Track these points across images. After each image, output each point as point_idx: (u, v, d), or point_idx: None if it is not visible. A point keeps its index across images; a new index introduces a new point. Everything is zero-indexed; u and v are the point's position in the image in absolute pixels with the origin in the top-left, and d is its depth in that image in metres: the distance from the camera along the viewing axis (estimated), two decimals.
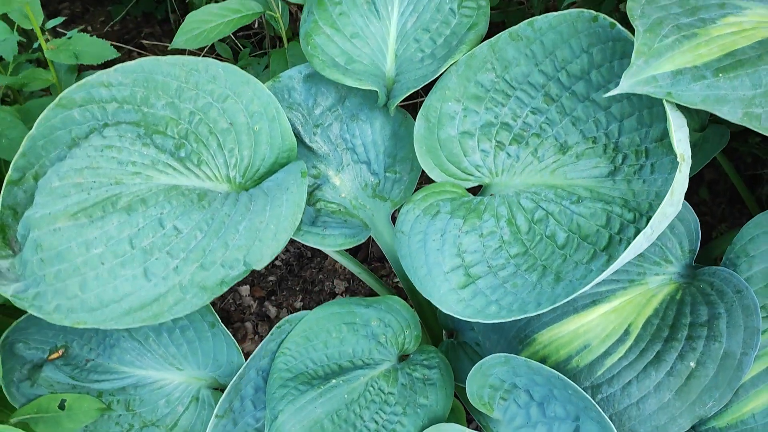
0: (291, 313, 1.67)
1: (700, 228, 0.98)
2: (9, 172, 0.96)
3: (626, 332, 0.93)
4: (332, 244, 1.05)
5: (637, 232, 0.82)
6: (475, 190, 1.05)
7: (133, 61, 1.02)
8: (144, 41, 2.02)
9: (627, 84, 0.75)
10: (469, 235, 0.92)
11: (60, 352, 1.07)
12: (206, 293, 0.89)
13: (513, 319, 0.81)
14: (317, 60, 1.04)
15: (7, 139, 1.07)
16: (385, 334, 1.05)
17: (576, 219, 0.86)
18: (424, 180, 1.16)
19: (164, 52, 2.01)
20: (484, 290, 0.87)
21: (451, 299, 0.87)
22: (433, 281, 0.90)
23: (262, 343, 1.03)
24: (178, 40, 1.22)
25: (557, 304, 0.79)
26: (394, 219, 1.19)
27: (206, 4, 1.80)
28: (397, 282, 1.66)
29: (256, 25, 1.77)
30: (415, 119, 1.09)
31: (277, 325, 1.04)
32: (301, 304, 1.73)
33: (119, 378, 1.06)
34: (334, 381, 1.00)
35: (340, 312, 1.06)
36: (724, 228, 1.76)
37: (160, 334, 1.04)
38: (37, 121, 0.98)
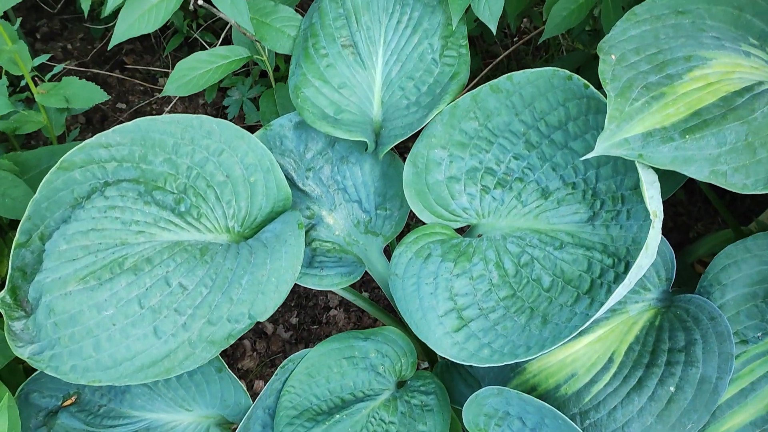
0: (287, 329, 1.72)
1: (675, 258, 1.05)
2: (16, 236, 1.00)
3: (610, 360, 1.00)
4: (330, 284, 1.11)
5: (617, 276, 0.88)
6: (464, 229, 1.10)
7: (130, 123, 1.06)
8: (125, 58, 2.04)
9: (601, 147, 0.81)
10: (460, 279, 0.98)
11: (73, 398, 1.12)
12: (214, 347, 0.94)
13: (504, 363, 0.87)
14: (307, 113, 1.08)
15: (10, 198, 1.11)
16: (383, 365, 1.11)
17: (560, 264, 0.92)
18: (412, 216, 1.22)
19: (145, 73, 2.04)
20: (476, 333, 0.93)
21: (446, 343, 0.93)
22: (428, 325, 0.96)
23: (267, 383, 1.08)
24: (170, 88, 1.25)
25: (545, 351, 0.85)
26: (385, 251, 1.24)
27: (184, 21, 1.84)
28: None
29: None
30: (402, 160, 1.14)
31: (281, 365, 1.10)
32: (297, 319, 1.78)
33: (131, 422, 1.11)
34: (337, 416, 1.06)
35: (339, 347, 1.12)
36: (701, 227, 1.84)
37: (169, 379, 1.09)
38: (41, 185, 1.02)
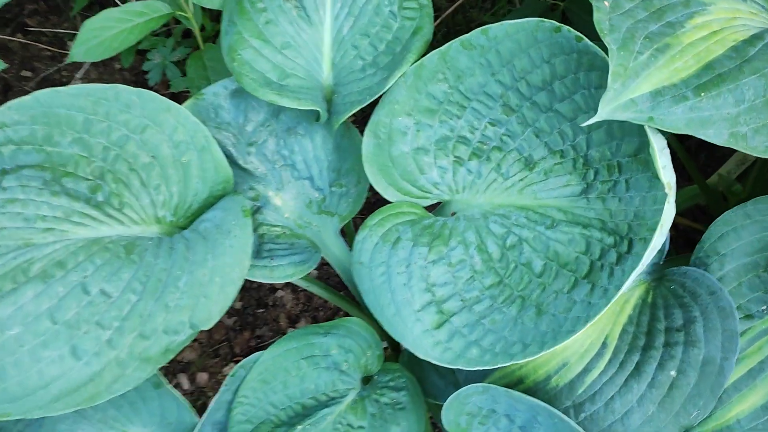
0: (230, 314, 1.57)
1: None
2: None
3: (604, 345, 0.89)
4: (282, 275, 0.96)
5: (619, 257, 0.77)
6: (435, 207, 0.97)
7: (28, 96, 0.87)
8: (27, 20, 1.80)
9: (606, 111, 0.68)
10: (437, 266, 0.85)
11: None
12: (149, 365, 0.78)
13: (498, 366, 0.75)
14: (247, 79, 0.92)
15: None
16: (347, 361, 0.98)
17: (553, 246, 0.80)
18: (373, 192, 1.08)
19: (52, 37, 1.80)
20: (460, 329, 0.80)
21: (426, 343, 0.80)
22: (404, 322, 0.82)
23: (216, 395, 0.93)
24: (76, 52, 1.06)
25: (545, 351, 0.73)
26: (342, 234, 1.10)
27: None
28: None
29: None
30: (357, 129, 0.99)
31: (230, 373, 0.95)
32: (240, 303, 1.63)
33: None
34: (299, 426, 0.92)
35: (297, 347, 0.97)
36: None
37: None
38: None
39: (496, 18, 1.65)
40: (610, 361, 0.89)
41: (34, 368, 0.77)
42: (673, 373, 0.87)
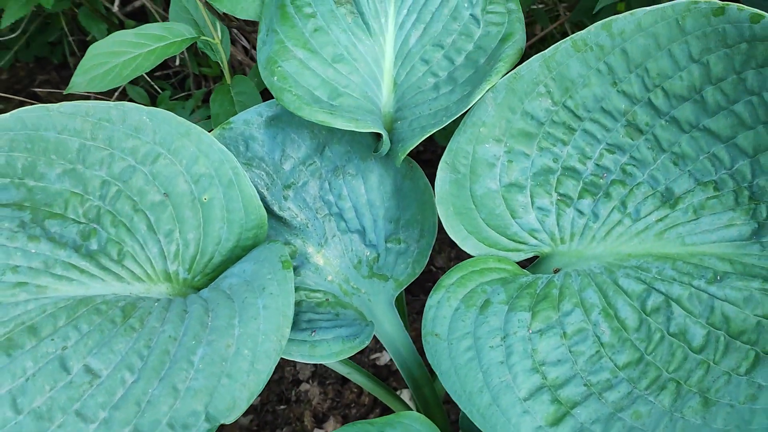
0: (246, 411, 1.32)
1: None
2: None
3: None
4: (326, 353, 0.73)
5: None
6: (528, 262, 0.75)
7: (6, 115, 0.67)
8: (38, 90, 1.64)
9: None
10: (545, 337, 0.61)
11: None
12: None
13: None
14: (289, 95, 0.71)
15: None
16: None
17: (720, 307, 0.57)
18: (438, 249, 0.86)
19: (62, 98, 1.64)
20: (589, 426, 0.56)
21: None
22: (505, 415, 0.58)
23: None
24: (78, 81, 0.88)
25: None
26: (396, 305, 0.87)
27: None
28: (375, 359, 1.34)
29: (176, 62, 1.43)
30: (421, 167, 0.79)
31: None
32: (258, 398, 1.39)
33: None
34: None
35: None
36: None
37: None
38: None
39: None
40: None
41: None
42: None
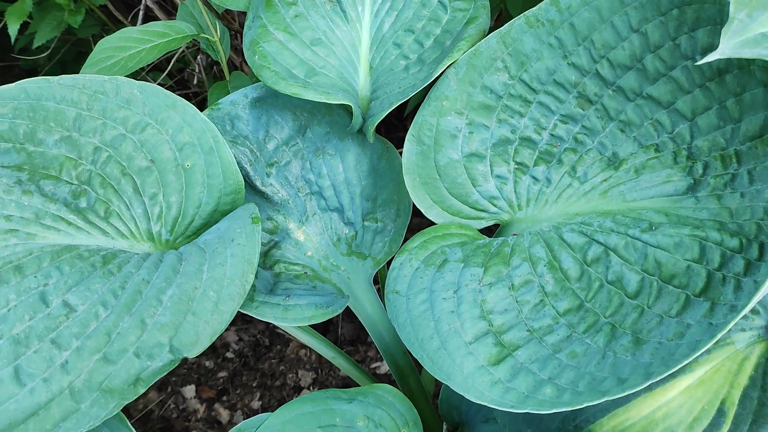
0: (247, 416, 1.35)
1: None
2: None
3: (720, 412, 0.66)
4: (298, 317, 0.76)
5: (748, 264, 0.56)
6: (490, 233, 0.78)
7: (11, 85, 0.74)
8: None
9: (729, 46, 0.51)
10: (494, 289, 0.65)
11: None
12: (112, 398, 0.58)
13: (585, 405, 0.53)
14: (268, 72, 0.78)
15: None
16: None
17: (652, 254, 0.60)
18: (414, 228, 0.90)
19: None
20: (527, 365, 0.59)
21: (480, 382, 0.59)
22: (451, 357, 0.61)
23: None
24: (87, 72, 0.95)
25: (654, 379, 0.51)
26: (375, 282, 0.91)
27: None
28: (376, 368, 1.37)
29: (179, 53, 1.51)
30: (398, 149, 0.84)
31: None
32: (260, 403, 1.42)
33: None
34: None
35: (313, 411, 0.76)
36: None
37: None
38: None
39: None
40: None
41: None
42: None
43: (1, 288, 0.63)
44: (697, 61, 0.62)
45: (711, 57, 0.51)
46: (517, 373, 0.59)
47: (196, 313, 0.62)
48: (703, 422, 0.66)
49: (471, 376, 0.60)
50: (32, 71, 1.85)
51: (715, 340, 0.51)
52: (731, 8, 0.52)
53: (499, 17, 1.25)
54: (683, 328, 0.56)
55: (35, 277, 0.64)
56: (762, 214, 0.58)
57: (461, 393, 0.59)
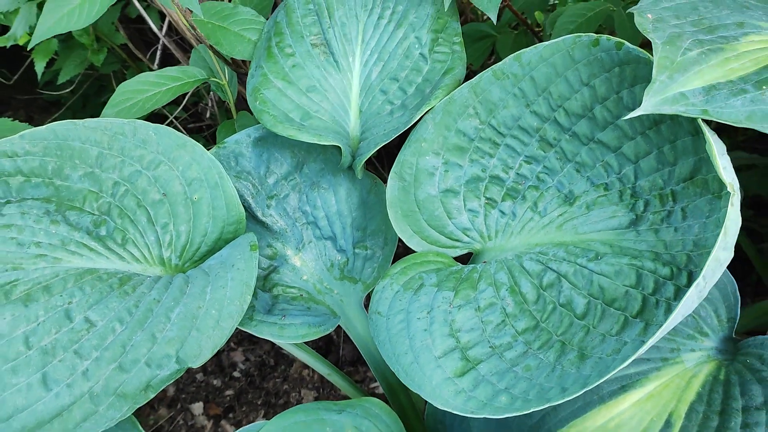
0: None
1: (738, 293, 0.81)
2: None
3: (668, 424, 0.74)
4: (293, 335, 0.85)
5: (678, 290, 0.64)
6: (464, 260, 0.87)
7: (42, 127, 0.85)
8: None
9: (651, 103, 0.60)
10: (463, 310, 0.74)
11: None
12: (126, 402, 0.67)
13: (532, 410, 0.61)
14: (267, 116, 0.88)
15: None
16: None
17: (597, 280, 0.69)
18: (401, 255, 0.99)
19: None
20: (488, 377, 0.67)
21: (446, 391, 0.67)
22: (422, 369, 0.70)
23: None
24: (109, 113, 1.06)
25: (590, 387, 0.60)
26: (366, 304, 1.00)
27: None
28: (375, 388, 1.44)
29: (190, 95, 1.61)
30: (386, 184, 0.93)
31: None
32: (264, 420, 1.49)
33: None
34: None
35: (305, 421, 0.84)
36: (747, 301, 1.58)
37: None
38: None
39: None
40: None
41: None
42: None
43: (31, 305, 0.72)
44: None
45: (635, 113, 0.60)
46: (478, 384, 0.67)
47: (199, 329, 0.71)
48: None
49: (439, 386, 0.68)
50: (55, 103, 1.96)
51: (634, 357, 0.59)
52: (654, 71, 0.61)
53: (491, 56, 1.35)
54: (621, 345, 0.64)
55: (61, 296, 0.73)
56: (692, 246, 0.66)
57: (429, 401, 0.68)
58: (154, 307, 0.73)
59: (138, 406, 0.68)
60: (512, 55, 0.78)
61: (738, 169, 1.19)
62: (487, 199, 0.82)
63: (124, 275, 0.78)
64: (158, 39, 1.50)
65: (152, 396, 0.68)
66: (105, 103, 1.83)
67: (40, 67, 1.39)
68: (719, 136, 0.69)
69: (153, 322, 0.72)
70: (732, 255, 0.62)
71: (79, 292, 0.74)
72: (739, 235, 1.13)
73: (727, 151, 0.65)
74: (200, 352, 0.70)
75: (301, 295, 0.95)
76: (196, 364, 0.70)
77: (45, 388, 0.68)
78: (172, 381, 0.68)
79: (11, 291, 0.73)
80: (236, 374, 1.49)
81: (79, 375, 0.68)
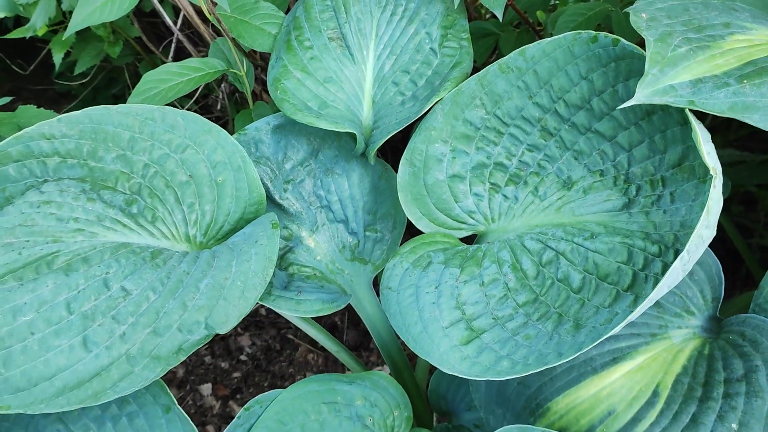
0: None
1: (723, 274, 0.88)
2: None
3: (655, 393, 0.80)
4: (308, 309, 0.91)
5: (665, 266, 0.71)
6: (469, 241, 0.94)
7: (79, 112, 0.91)
8: None
9: (643, 94, 0.66)
10: (468, 285, 0.80)
11: None
12: (159, 364, 0.74)
13: (530, 372, 0.68)
14: (287, 104, 0.94)
15: None
16: (371, 416, 0.90)
17: (592, 257, 0.75)
18: (408, 238, 1.05)
19: None
20: (491, 345, 0.74)
21: (453, 357, 0.74)
22: (431, 338, 0.76)
23: (227, 428, 0.86)
24: (134, 101, 1.12)
25: (583, 350, 0.66)
26: (375, 285, 1.06)
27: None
28: (378, 365, 1.51)
29: (205, 87, 1.67)
30: (396, 171, 0.99)
31: (245, 406, 0.88)
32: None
33: None
34: None
35: (319, 390, 0.91)
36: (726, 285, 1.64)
37: (103, 424, 0.86)
38: None
39: None
40: (662, 411, 0.80)
41: (42, 357, 0.73)
42: (734, 425, 0.77)
43: (72, 274, 0.78)
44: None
45: (628, 103, 0.66)
46: (482, 351, 0.74)
47: (226, 298, 0.78)
48: (640, 401, 0.81)
49: (446, 353, 0.75)
50: (65, 95, 2.02)
51: (624, 323, 0.65)
52: (646, 65, 0.68)
53: (494, 52, 1.42)
54: (612, 316, 0.71)
55: (99, 266, 0.79)
56: (678, 226, 0.73)
57: (437, 365, 0.74)
58: (184, 278, 0.79)
59: (170, 368, 0.74)
60: (517, 50, 0.84)
61: (729, 166, 1.26)
62: (492, 184, 0.88)
63: (155, 250, 0.84)
64: (170, 33, 1.56)
65: (183, 358, 0.75)
66: (115, 95, 1.89)
67: (58, 59, 1.45)
68: (713, 135, 0.75)
69: (183, 292, 0.78)
70: (714, 233, 0.68)
71: (116, 263, 0.80)
72: (730, 230, 1.20)
73: (720, 148, 0.72)
74: (227, 319, 0.77)
75: (315, 274, 1.01)
76: (223, 330, 0.76)
77: (85, 349, 0.74)
78: (201, 345, 0.75)
79: (53, 261, 0.79)
80: (243, 357, 1.54)
81: (117, 338, 0.75)
